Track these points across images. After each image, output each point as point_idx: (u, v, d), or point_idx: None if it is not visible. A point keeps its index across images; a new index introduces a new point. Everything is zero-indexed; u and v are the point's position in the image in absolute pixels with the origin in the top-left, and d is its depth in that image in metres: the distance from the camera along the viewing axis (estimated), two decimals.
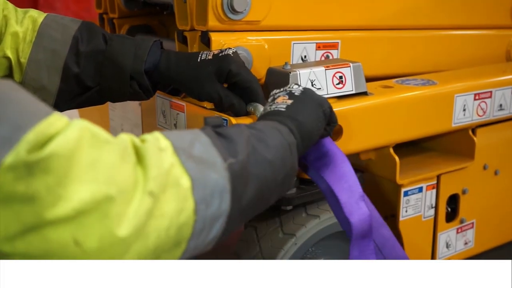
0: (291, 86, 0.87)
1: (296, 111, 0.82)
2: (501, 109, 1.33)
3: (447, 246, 1.35)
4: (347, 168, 0.86)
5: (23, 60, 0.96)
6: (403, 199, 1.23)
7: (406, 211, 1.25)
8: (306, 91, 0.86)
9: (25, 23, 0.97)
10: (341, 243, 1.14)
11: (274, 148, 0.72)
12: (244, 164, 0.66)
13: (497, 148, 1.39)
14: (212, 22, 1.06)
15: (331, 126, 0.88)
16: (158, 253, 0.57)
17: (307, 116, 0.82)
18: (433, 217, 1.31)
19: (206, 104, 1.07)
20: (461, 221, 1.37)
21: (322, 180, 0.86)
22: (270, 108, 0.84)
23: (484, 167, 1.37)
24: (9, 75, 0.97)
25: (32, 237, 0.49)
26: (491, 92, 1.30)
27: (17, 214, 0.48)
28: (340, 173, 0.85)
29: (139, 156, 0.57)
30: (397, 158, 1.18)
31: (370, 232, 0.85)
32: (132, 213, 0.53)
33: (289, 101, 0.83)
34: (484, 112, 1.30)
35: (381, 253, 0.87)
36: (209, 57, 0.97)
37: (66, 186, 0.49)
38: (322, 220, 1.08)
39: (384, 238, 0.88)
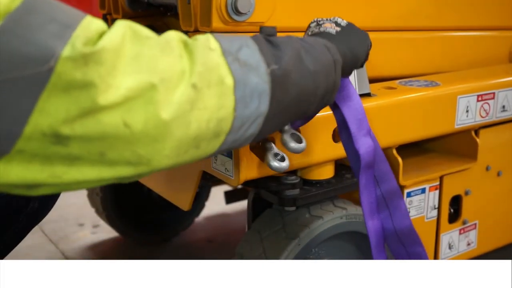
0: (335, 18, 0.91)
1: (347, 37, 0.87)
2: (504, 110, 1.33)
3: (450, 247, 1.36)
4: (360, 104, 0.91)
5: None
6: (406, 200, 1.24)
7: (409, 212, 1.25)
8: (351, 24, 0.92)
9: None
10: (344, 244, 1.15)
11: (320, 62, 0.77)
12: (287, 72, 0.72)
13: (500, 149, 1.39)
14: (216, 23, 1.06)
15: (364, 61, 0.93)
16: (198, 141, 0.65)
17: (357, 43, 0.88)
18: (436, 218, 1.31)
19: None
20: (464, 222, 1.37)
21: (338, 111, 0.91)
22: (318, 30, 0.88)
23: (487, 168, 1.38)
24: None
25: (88, 121, 0.56)
26: (494, 93, 1.30)
27: (75, 99, 0.55)
28: (354, 107, 0.91)
29: (188, 51, 0.64)
30: (400, 159, 1.19)
31: (373, 164, 0.92)
32: (175, 101, 0.60)
33: (338, 28, 0.88)
34: (487, 114, 1.30)
35: (379, 186, 0.94)
36: None
37: (115, 76, 0.57)
38: (326, 221, 1.09)
39: (383, 172, 0.94)
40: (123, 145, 0.58)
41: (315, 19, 0.92)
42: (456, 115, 1.25)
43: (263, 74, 0.69)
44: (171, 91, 0.60)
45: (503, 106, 1.33)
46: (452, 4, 1.41)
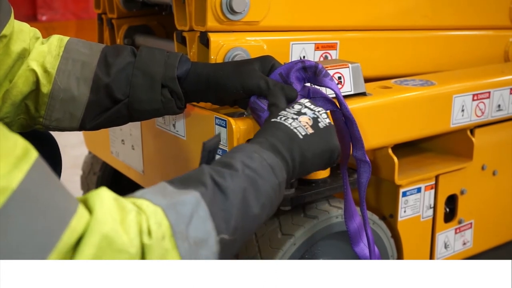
0: (320, 112, 0.85)
1: (309, 147, 0.82)
2: (499, 110, 1.34)
3: (446, 246, 1.36)
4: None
5: (52, 70, 0.95)
6: (401, 200, 1.24)
7: (405, 212, 1.25)
8: (329, 128, 0.85)
9: (51, 40, 0.98)
10: (339, 243, 1.14)
11: (265, 194, 0.75)
12: (235, 234, 0.71)
13: (496, 148, 1.40)
14: (211, 22, 1.06)
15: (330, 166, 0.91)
16: None
17: (315, 156, 0.83)
18: (431, 217, 1.31)
19: (204, 105, 1.07)
20: (460, 222, 1.37)
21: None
22: (290, 124, 0.82)
23: (483, 168, 1.38)
24: (36, 89, 0.95)
25: None
26: (489, 92, 1.30)
27: None
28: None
29: (144, 255, 0.63)
30: (395, 159, 1.19)
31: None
32: None
33: (310, 130, 0.82)
34: (483, 113, 1.30)
35: None
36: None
37: None
38: (321, 220, 1.09)
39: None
40: None
41: (303, 101, 0.87)
42: (452, 114, 1.25)
43: (212, 246, 0.68)
44: None
45: (499, 105, 1.33)
46: (448, 3, 1.41)
